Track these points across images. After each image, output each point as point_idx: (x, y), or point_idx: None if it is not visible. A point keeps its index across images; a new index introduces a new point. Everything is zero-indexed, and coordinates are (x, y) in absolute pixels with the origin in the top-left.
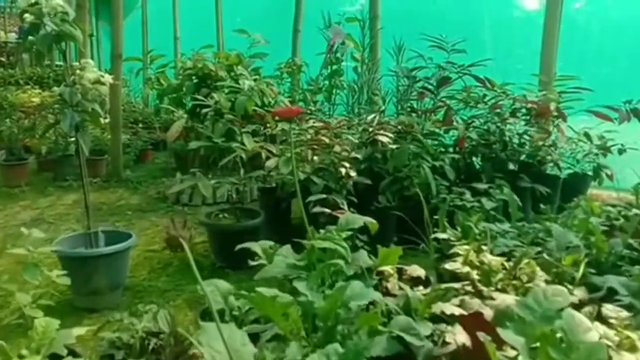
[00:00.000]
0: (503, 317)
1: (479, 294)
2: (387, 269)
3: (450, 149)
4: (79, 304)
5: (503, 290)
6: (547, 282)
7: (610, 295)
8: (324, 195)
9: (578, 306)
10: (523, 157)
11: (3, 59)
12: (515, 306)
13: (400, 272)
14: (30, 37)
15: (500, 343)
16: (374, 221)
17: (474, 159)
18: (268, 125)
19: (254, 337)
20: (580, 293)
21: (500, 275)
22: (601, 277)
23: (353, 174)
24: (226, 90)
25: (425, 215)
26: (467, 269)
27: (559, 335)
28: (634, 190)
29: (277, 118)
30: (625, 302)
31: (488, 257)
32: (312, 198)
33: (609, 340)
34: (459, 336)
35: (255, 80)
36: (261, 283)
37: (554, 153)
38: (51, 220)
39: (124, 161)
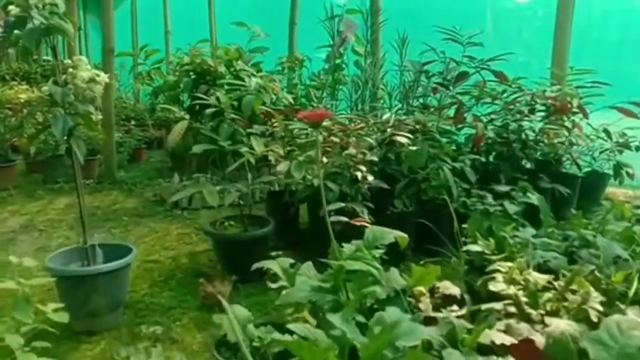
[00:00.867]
0: (559, 346)
1: (526, 317)
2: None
3: (464, 148)
4: (76, 327)
5: (553, 314)
6: (602, 303)
7: None
8: (342, 204)
9: None
10: (538, 155)
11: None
12: (587, 342)
13: (432, 289)
14: (16, 32)
15: None
16: (405, 235)
17: (490, 158)
18: (274, 125)
19: None
20: (634, 313)
21: (548, 295)
22: None
23: (370, 178)
24: (226, 87)
25: (455, 226)
26: (513, 289)
27: None
28: None
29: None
30: None
31: (534, 276)
32: (331, 207)
33: None
34: None
35: (262, 77)
36: (274, 295)
37: (574, 151)
38: (42, 227)
39: (117, 161)
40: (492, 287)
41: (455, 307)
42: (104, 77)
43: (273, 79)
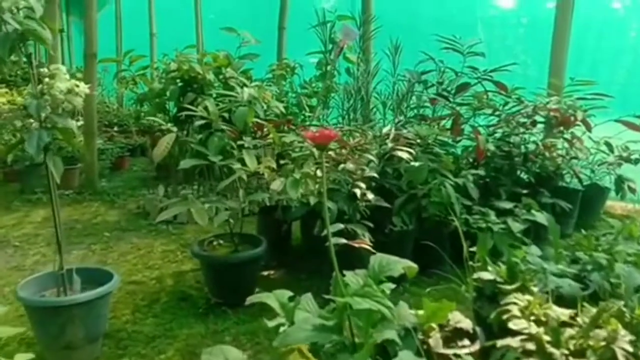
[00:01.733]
0: None
1: (548, 357)
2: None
3: (461, 160)
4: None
5: (578, 353)
6: (631, 342)
7: None
8: (342, 226)
9: None
10: (536, 168)
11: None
12: None
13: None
14: None
15: None
16: (414, 266)
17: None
18: (266, 136)
19: None
20: None
21: (570, 332)
22: None
23: (371, 196)
24: (215, 96)
25: (464, 250)
26: (535, 328)
27: None
28: None
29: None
30: None
31: (556, 311)
32: (331, 229)
33: None
34: None
35: (256, 87)
36: (265, 322)
37: (575, 165)
38: (17, 242)
39: (99, 169)
40: (513, 325)
41: (466, 342)
42: (83, 87)
43: (265, 87)
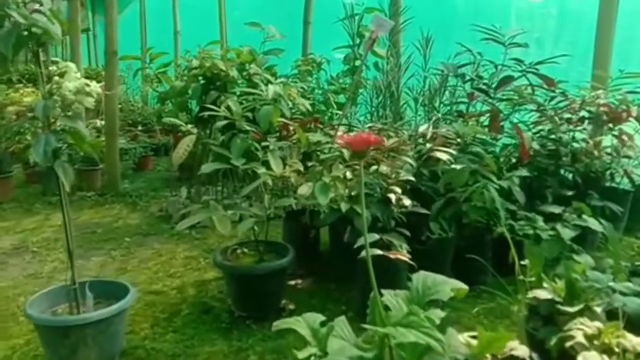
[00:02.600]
0: None
1: None
2: None
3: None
4: None
5: None
6: None
7: None
8: (377, 236)
9: None
10: (582, 167)
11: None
12: None
13: None
14: None
15: None
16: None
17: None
18: (291, 136)
19: None
20: None
21: None
22: None
23: (407, 202)
24: (238, 92)
25: (516, 265)
26: None
27: None
28: None
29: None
30: None
31: (632, 340)
32: (364, 240)
33: None
34: None
35: (282, 84)
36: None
37: (626, 164)
38: (36, 248)
39: (122, 169)
40: (582, 359)
41: None
42: (95, 87)
43: (290, 84)
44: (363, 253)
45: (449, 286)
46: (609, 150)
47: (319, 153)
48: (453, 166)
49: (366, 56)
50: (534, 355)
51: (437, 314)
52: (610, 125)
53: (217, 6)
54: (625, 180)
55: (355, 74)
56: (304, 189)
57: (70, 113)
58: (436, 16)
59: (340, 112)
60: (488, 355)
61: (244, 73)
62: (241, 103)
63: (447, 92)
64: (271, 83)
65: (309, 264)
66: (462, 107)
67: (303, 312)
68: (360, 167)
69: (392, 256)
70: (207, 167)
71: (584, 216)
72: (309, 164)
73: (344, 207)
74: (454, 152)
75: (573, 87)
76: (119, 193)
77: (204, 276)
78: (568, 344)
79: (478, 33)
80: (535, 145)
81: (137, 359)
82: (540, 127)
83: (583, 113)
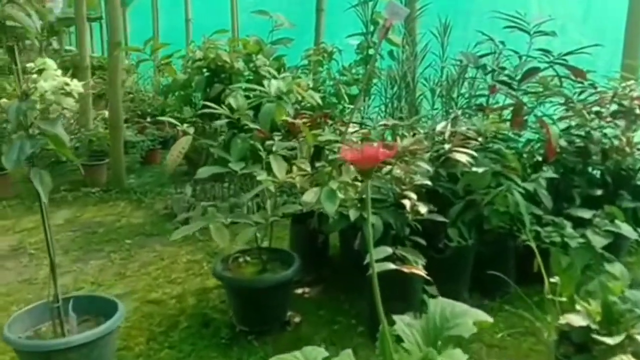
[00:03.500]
0: None
1: None
2: None
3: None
4: None
5: None
6: None
7: None
8: (389, 250)
9: None
10: (611, 164)
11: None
12: None
13: None
14: None
15: None
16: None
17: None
18: (300, 136)
19: None
20: None
21: None
22: None
23: (423, 210)
24: (243, 85)
25: (546, 286)
26: None
27: None
28: None
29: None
30: None
31: None
32: (377, 255)
33: None
34: None
35: (285, 78)
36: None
37: None
38: (33, 249)
39: (128, 163)
40: None
41: None
42: (76, 85)
43: (298, 76)
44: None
45: (470, 318)
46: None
47: (327, 152)
48: (474, 169)
49: (379, 45)
50: None
51: (459, 357)
52: None
53: None
54: None
55: (369, 64)
56: (310, 196)
57: (51, 115)
58: (453, 1)
59: (352, 106)
60: None
61: (251, 64)
62: (247, 97)
63: (465, 84)
64: (275, 77)
65: (317, 270)
66: (482, 100)
67: (309, 326)
68: (367, 187)
69: (406, 270)
70: (203, 172)
71: (617, 221)
72: (317, 164)
73: (352, 214)
74: (474, 153)
75: (601, 78)
76: (124, 189)
77: (206, 283)
78: None
79: (498, 20)
80: (562, 142)
81: None
82: (567, 122)
83: (614, 106)
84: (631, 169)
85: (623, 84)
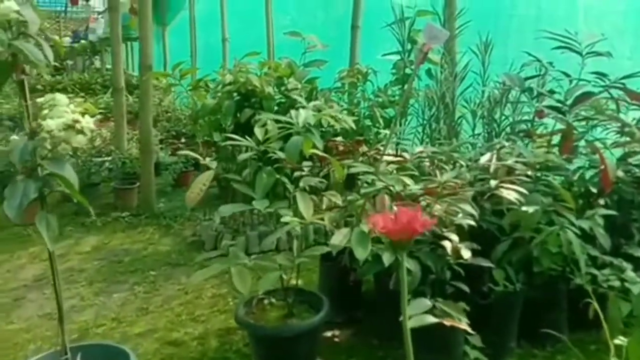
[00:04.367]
0: None
1: None
2: None
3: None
4: None
5: None
6: None
7: None
8: (428, 304)
9: None
10: None
11: (57, 64)
12: None
13: None
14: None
15: None
16: None
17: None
18: (329, 168)
19: None
20: None
21: None
22: None
23: (467, 254)
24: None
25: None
26: None
27: None
28: None
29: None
30: None
31: None
32: (413, 311)
33: None
34: None
35: (321, 106)
36: None
37: None
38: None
39: (160, 186)
40: None
41: None
42: (88, 122)
43: (331, 99)
44: (413, 321)
45: None
46: None
47: (359, 181)
48: (524, 208)
49: (417, 70)
50: None
51: None
52: None
53: (264, 12)
54: None
55: (406, 88)
56: (339, 238)
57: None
58: (493, 19)
59: (386, 131)
60: None
61: (282, 88)
62: (278, 121)
63: (508, 106)
64: (304, 107)
65: (349, 311)
66: (526, 125)
67: None
68: (402, 263)
69: (447, 323)
70: (225, 210)
71: None
72: (349, 196)
73: (387, 259)
74: (524, 190)
75: None
76: (154, 214)
77: (230, 322)
78: None
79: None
80: (619, 172)
81: None
82: (624, 150)
83: None
84: None
85: None
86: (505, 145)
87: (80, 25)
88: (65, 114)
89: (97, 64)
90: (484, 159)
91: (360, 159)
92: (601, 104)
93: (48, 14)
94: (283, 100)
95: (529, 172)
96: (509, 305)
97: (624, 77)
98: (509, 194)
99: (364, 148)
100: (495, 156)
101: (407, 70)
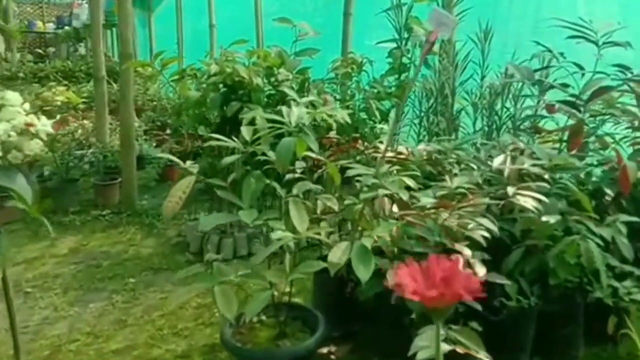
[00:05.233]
0: None
1: None
2: None
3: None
4: None
5: None
6: None
7: None
8: (442, 333)
9: None
10: None
11: (41, 50)
12: None
13: None
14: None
15: None
16: None
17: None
18: (323, 168)
19: None
20: None
21: None
22: None
23: (481, 271)
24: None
25: None
26: None
27: None
28: None
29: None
30: None
31: None
32: (422, 336)
33: None
34: None
35: (311, 102)
36: None
37: None
38: (30, 287)
39: (144, 180)
40: None
41: None
42: (44, 125)
43: (324, 91)
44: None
45: None
46: None
47: (358, 183)
48: (544, 218)
49: (421, 65)
50: None
51: None
52: None
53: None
54: None
55: (408, 81)
56: (337, 255)
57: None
58: (492, 5)
59: (383, 126)
60: None
61: (272, 79)
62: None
63: (510, 98)
64: (297, 102)
65: (346, 325)
66: (530, 119)
67: None
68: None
69: (461, 351)
70: (206, 222)
71: None
72: (346, 200)
73: (391, 277)
74: (543, 198)
75: None
76: (136, 212)
77: (216, 336)
78: None
79: (541, 27)
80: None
81: None
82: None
83: None
84: None
85: None
86: (513, 143)
87: (64, 10)
88: (17, 115)
89: (82, 50)
90: (497, 162)
91: (358, 157)
92: (613, 97)
93: None
94: (273, 92)
95: (546, 176)
96: (523, 321)
97: None
98: (527, 201)
99: (361, 146)
100: (509, 158)
101: (404, 60)
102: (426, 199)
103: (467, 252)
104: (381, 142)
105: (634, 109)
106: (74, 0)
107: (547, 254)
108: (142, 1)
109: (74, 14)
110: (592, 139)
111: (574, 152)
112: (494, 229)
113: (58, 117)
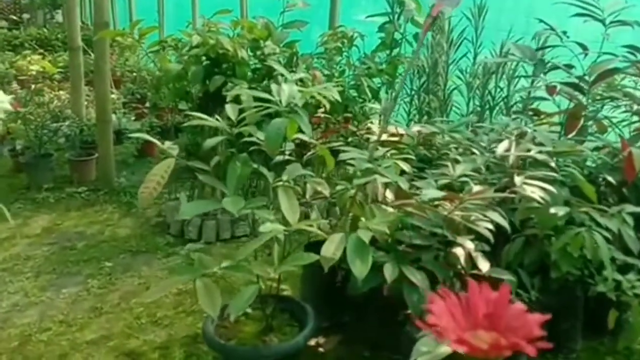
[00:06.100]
0: None
1: None
2: None
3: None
4: None
5: None
6: None
7: None
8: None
9: None
10: None
11: (15, 17)
12: None
13: None
14: None
15: None
16: None
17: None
18: (313, 151)
19: None
20: None
21: None
22: None
23: (485, 267)
24: (246, 92)
25: None
26: None
27: None
28: None
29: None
30: None
31: None
32: (423, 340)
33: None
34: None
35: (302, 80)
36: None
37: None
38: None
39: (123, 156)
40: None
41: None
42: (1, 102)
43: (313, 66)
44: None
45: None
46: None
47: (349, 169)
48: (552, 210)
49: (421, 44)
50: None
51: None
52: None
53: None
54: None
55: (398, 63)
56: (330, 249)
57: None
58: None
59: (374, 105)
60: None
61: (258, 52)
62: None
63: (504, 78)
64: (287, 80)
65: (335, 315)
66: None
67: None
68: None
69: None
70: (187, 210)
71: None
72: (338, 185)
73: (389, 274)
74: (551, 188)
75: None
76: (114, 189)
77: (198, 326)
78: None
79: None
80: None
81: None
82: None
83: None
84: None
85: None
86: (517, 128)
87: None
88: None
89: (59, 18)
90: (501, 148)
91: (350, 139)
92: (615, 79)
93: None
94: (259, 66)
95: (552, 164)
96: None
97: None
98: (535, 191)
99: (352, 126)
100: (514, 144)
101: (396, 35)
102: (431, 192)
103: (470, 245)
104: (372, 122)
105: (638, 93)
106: None
107: (549, 245)
108: None
109: None
110: (590, 122)
111: (570, 135)
112: (505, 223)
113: (32, 87)
